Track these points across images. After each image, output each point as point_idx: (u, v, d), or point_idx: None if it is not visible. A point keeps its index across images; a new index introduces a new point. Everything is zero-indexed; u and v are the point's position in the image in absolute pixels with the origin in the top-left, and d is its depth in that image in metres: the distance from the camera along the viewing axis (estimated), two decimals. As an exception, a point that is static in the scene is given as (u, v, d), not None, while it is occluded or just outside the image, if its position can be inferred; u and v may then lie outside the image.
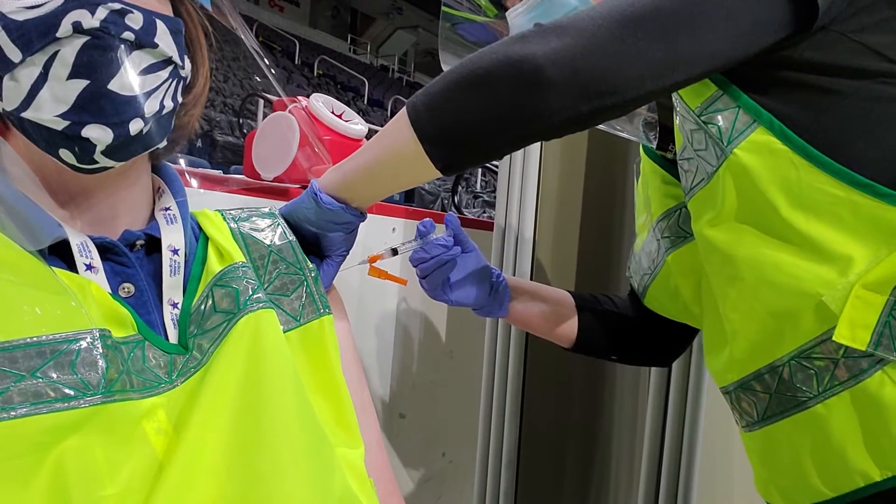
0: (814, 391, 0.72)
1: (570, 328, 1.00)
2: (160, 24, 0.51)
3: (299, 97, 1.15)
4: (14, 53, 0.47)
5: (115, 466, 0.44)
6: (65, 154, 0.49)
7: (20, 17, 0.48)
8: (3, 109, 0.49)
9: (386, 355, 1.36)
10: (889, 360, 0.66)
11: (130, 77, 0.49)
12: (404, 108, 0.67)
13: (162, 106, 0.52)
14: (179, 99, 0.55)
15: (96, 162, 0.50)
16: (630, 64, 0.60)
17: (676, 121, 0.77)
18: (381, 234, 1.29)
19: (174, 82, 0.53)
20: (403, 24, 22.06)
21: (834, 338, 0.67)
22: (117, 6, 0.49)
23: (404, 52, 22.83)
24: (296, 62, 14.96)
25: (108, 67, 0.48)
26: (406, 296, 1.38)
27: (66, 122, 0.48)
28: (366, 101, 14.88)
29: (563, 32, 0.60)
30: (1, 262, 0.45)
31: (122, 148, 0.50)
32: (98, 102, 0.48)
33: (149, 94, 0.51)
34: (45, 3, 0.48)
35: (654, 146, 0.88)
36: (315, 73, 14.96)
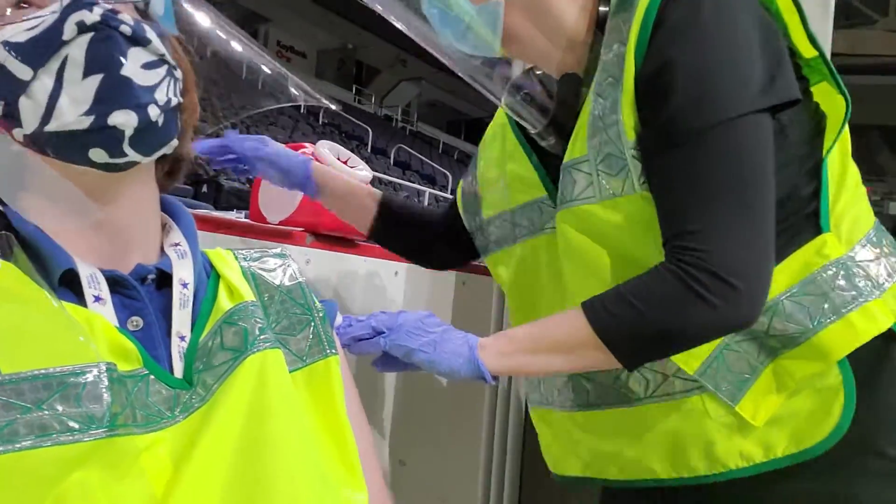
0: (640, 395, 0.85)
1: (367, 218, 1.06)
2: (146, 26, 0.54)
3: (306, 144, 1.18)
4: (24, 72, 0.49)
5: (115, 502, 0.43)
6: (95, 153, 0.50)
7: (23, 37, 0.49)
8: (24, 135, 0.50)
9: (388, 401, 1.35)
10: (708, 389, 0.80)
11: (136, 68, 0.51)
12: (589, 324, 0.75)
13: (169, 98, 0.54)
14: (180, 98, 0.56)
15: (125, 154, 0.51)
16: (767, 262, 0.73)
17: (588, 132, 0.80)
18: (385, 277, 1.30)
19: (172, 80, 0.55)
20: (408, 75, 22.53)
21: (671, 357, 0.79)
22: (108, 6, 0.51)
23: (408, 103, 23.25)
24: (301, 111, 15.23)
25: (117, 57, 0.50)
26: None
27: (91, 118, 0.49)
28: (369, 150, 15.10)
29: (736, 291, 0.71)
30: (10, 294, 0.45)
31: (146, 136, 0.51)
32: (118, 89, 0.50)
33: (156, 87, 0.52)
34: (44, 19, 0.50)
35: (536, 131, 0.89)
36: (320, 122, 15.22)
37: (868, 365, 0.79)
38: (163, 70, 0.54)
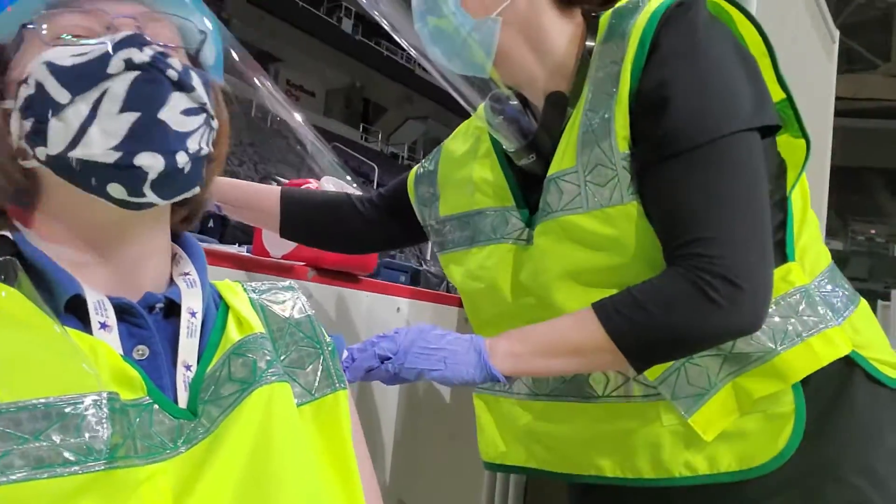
0: (599, 392, 0.88)
1: (274, 218, 1.06)
2: (193, 73, 0.54)
3: (310, 179, 1.19)
4: (62, 95, 0.49)
5: None
6: (114, 189, 0.50)
7: (69, 62, 0.50)
8: (47, 155, 0.50)
9: (386, 438, 1.33)
10: (664, 398, 0.82)
11: (175, 113, 0.51)
12: (602, 328, 0.76)
13: (200, 147, 0.54)
14: (211, 147, 0.57)
15: (144, 195, 0.51)
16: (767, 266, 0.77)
17: (578, 145, 0.82)
18: (386, 313, 1.30)
19: (207, 130, 0.55)
20: (414, 113, 22.83)
21: None
22: (160, 48, 0.52)
23: (414, 140, 23.51)
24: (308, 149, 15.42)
25: (158, 99, 0.51)
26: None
27: (118, 154, 0.49)
28: (375, 186, 15.20)
29: (742, 295, 0.74)
30: (13, 319, 0.45)
31: (169, 181, 0.52)
32: (150, 131, 0.50)
33: (191, 134, 0.53)
34: (93, 49, 0.50)
35: (515, 148, 0.90)
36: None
37: (829, 392, 0.81)
38: (200, 118, 0.54)
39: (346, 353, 0.79)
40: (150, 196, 0.51)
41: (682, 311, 0.74)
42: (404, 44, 0.89)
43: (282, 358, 0.60)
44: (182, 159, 0.52)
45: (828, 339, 0.81)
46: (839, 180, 2.63)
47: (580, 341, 0.79)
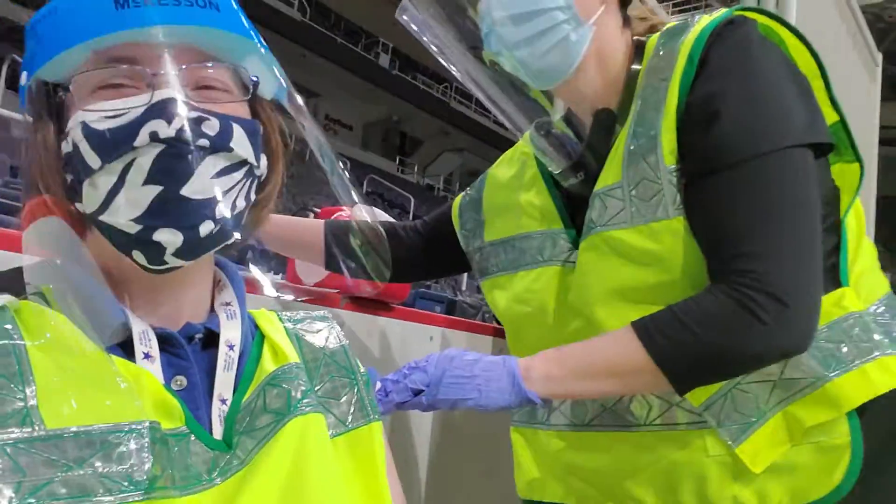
0: (640, 420, 0.83)
1: (318, 252, 1.04)
2: (236, 128, 0.53)
3: (343, 207, 1.20)
4: (94, 160, 0.50)
5: None
6: (137, 256, 0.51)
7: (101, 126, 0.50)
8: (84, 211, 0.52)
9: (420, 469, 1.31)
10: (709, 426, 0.78)
11: (204, 181, 0.51)
12: (643, 347, 0.74)
13: (234, 206, 0.53)
14: (253, 197, 0.56)
15: (166, 263, 0.51)
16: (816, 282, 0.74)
17: (625, 161, 0.81)
18: (420, 342, 1.29)
19: (248, 182, 0.55)
20: (450, 146, 23.05)
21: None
22: (194, 115, 0.51)
23: (450, 172, 23.70)
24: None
25: (182, 174, 0.50)
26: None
27: (139, 227, 0.50)
28: (411, 217, 15.32)
29: (792, 319, 0.72)
30: (62, 346, 0.46)
31: (192, 249, 0.51)
32: (170, 207, 0.50)
33: (223, 196, 0.52)
34: (126, 112, 0.50)
35: (562, 168, 0.88)
36: (364, 191, 15.58)
37: (888, 423, 0.77)
38: (239, 174, 0.53)
39: (379, 385, 0.79)
40: (174, 262, 0.51)
41: (725, 329, 0.71)
42: (455, 69, 0.88)
43: (316, 388, 0.60)
44: (206, 228, 0.51)
45: (885, 367, 0.77)
46: (884, 211, 2.55)
47: (620, 362, 0.76)
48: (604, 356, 0.77)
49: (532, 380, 0.77)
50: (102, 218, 0.50)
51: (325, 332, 0.66)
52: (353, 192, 0.82)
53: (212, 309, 0.59)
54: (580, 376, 0.77)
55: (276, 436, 0.53)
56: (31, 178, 0.54)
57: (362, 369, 0.65)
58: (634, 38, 0.87)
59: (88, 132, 0.50)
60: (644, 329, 0.74)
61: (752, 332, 0.70)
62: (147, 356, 0.51)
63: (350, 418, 0.61)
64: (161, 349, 0.53)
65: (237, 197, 0.54)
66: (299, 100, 0.63)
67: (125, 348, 0.51)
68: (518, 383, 0.77)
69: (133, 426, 0.45)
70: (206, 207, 0.51)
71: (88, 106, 0.51)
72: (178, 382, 0.53)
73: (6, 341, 0.45)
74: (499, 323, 1.51)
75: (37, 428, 0.42)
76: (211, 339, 0.57)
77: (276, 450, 0.52)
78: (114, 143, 0.50)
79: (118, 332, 0.51)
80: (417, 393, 0.78)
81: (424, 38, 0.87)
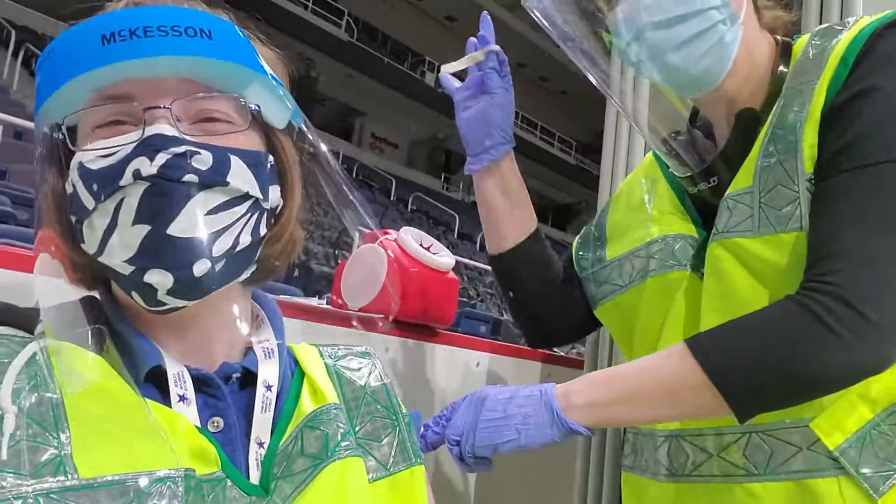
0: (760, 469, 0.71)
1: (507, 236, 0.96)
2: (235, 161, 0.51)
3: (390, 230, 1.18)
4: (89, 201, 0.49)
5: None
6: (135, 296, 0.50)
7: (95, 165, 0.49)
8: (88, 252, 0.51)
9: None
10: (846, 472, 0.67)
11: (192, 219, 0.48)
12: (697, 364, 0.67)
13: (237, 242, 0.51)
14: (263, 231, 0.54)
15: (163, 304, 0.49)
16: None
17: (759, 164, 0.75)
18: (465, 368, 1.26)
19: (254, 216, 0.53)
20: (495, 163, 23.08)
21: (811, 425, 0.69)
22: (181, 149, 0.49)
23: (494, 190, 23.70)
24: (391, 198, 15.82)
25: (168, 212, 0.48)
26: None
27: (132, 268, 0.48)
28: (456, 235, 15.38)
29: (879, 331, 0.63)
30: (98, 390, 0.46)
31: (187, 290, 0.49)
32: (158, 247, 0.48)
33: (219, 234, 0.50)
34: (117, 150, 0.49)
35: (693, 172, 0.82)
36: (408, 208, 15.71)
37: None
38: (242, 208, 0.51)
39: (421, 431, 0.76)
40: (173, 302, 0.49)
41: (791, 341, 0.64)
42: (593, 76, 0.84)
43: (357, 429, 0.59)
44: (201, 268, 0.48)
45: None
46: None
47: (671, 382, 0.68)
48: (655, 376, 0.70)
49: (573, 409, 0.71)
50: (101, 259, 0.50)
51: (366, 369, 0.64)
52: (369, 221, 0.79)
53: (249, 346, 0.57)
54: (626, 401, 0.71)
55: (313, 481, 0.51)
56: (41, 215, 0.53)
57: (405, 410, 0.63)
58: (780, 38, 0.82)
59: (84, 173, 0.49)
60: (698, 343, 0.67)
61: (824, 346, 0.62)
62: (183, 398, 0.50)
63: (391, 461, 0.59)
64: (197, 390, 0.51)
65: (241, 233, 0.51)
66: (309, 130, 0.58)
67: (160, 388, 0.50)
68: (558, 415, 0.71)
69: (166, 473, 0.44)
70: (197, 246, 0.48)
71: (86, 146, 0.50)
72: (215, 424, 0.51)
73: (42, 390, 0.44)
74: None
75: (70, 477, 0.42)
76: (249, 378, 0.55)
77: (314, 496, 0.50)
78: (102, 183, 0.49)
79: (154, 375, 0.50)
80: (454, 444, 0.75)
81: (550, 33, 0.82)
